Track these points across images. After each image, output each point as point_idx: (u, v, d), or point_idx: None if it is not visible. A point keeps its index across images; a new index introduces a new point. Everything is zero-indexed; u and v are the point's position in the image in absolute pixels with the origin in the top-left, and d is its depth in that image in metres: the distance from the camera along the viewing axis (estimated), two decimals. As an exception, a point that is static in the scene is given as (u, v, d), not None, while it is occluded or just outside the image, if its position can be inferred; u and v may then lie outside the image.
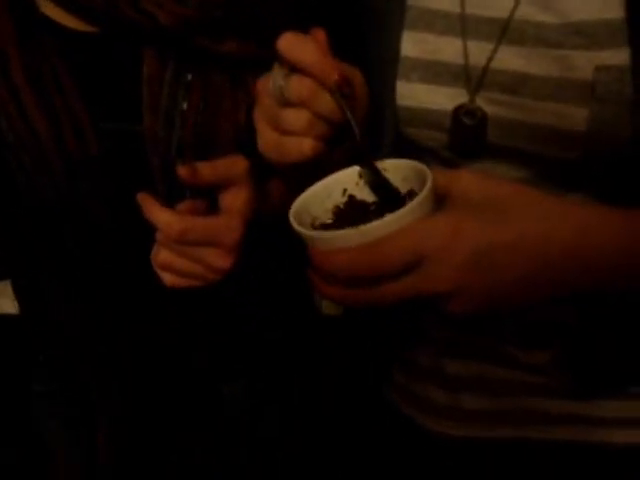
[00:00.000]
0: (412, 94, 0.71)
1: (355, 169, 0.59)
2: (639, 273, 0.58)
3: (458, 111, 0.68)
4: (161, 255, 0.62)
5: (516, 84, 0.66)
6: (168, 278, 0.63)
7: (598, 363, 0.76)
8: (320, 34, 0.59)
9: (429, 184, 0.51)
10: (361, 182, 0.59)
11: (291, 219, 0.54)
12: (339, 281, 0.53)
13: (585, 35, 0.62)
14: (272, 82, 0.58)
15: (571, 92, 0.63)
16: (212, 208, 0.65)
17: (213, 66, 0.67)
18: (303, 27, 0.72)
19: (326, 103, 0.57)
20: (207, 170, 0.62)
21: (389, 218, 0.50)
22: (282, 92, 0.57)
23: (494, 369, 0.81)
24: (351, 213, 0.58)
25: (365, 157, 0.58)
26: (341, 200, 0.59)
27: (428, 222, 0.51)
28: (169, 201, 0.66)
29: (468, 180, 0.55)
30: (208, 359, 0.77)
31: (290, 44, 0.56)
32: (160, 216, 0.60)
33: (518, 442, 0.82)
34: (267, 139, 0.59)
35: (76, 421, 0.76)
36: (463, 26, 0.67)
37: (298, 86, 0.56)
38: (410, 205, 0.51)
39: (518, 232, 0.53)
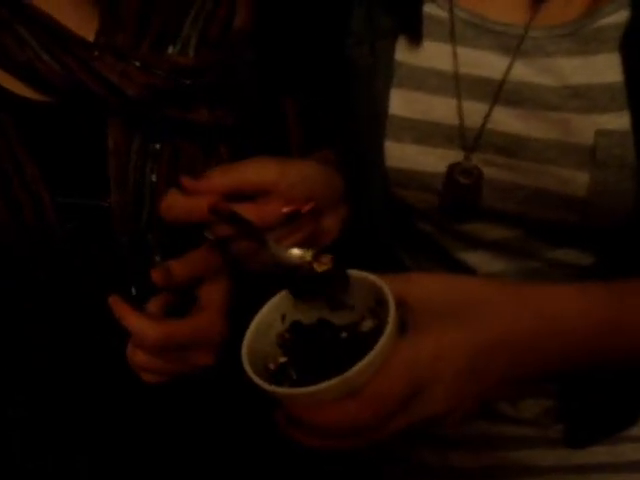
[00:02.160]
0: (402, 155, 0.68)
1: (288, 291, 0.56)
2: (618, 347, 0.58)
3: (453, 169, 0.66)
4: (137, 357, 0.58)
5: (514, 146, 0.64)
6: (148, 377, 0.59)
7: (590, 410, 0.75)
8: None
9: (392, 303, 0.50)
10: (298, 302, 0.56)
11: (255, 379, 0.49)
12: (331, 434, 0.50)
13: (584, 98, 0.60)
14: None
15: (571, 156, 0.62)
16: (187, 296, 0.61)
17: (183, 135, 0.63)
18: (277, 90, 0.69)
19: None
20: (182, 269, 0.58)
21: (372, 357, 0.47)
22: None
23: (482, 425, 0.79)
24: (302, 342, 0.55)
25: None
26: (283, 328, 0.56)
27: (414, 350, 0.50)
28: (139, 279, 0.61)
29: (425, 283, 0.54)
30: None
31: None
32: (134, 323, 0.56)
33: None
34: None
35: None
36: (457, 86, 0.65)
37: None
38: (386, 335, 0.48)
39: (494, 331, 0.53)
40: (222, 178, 0.59)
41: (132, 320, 0.57)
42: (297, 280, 0.54)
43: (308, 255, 0.54)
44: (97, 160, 0.61)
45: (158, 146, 0.63)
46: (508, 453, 0.79)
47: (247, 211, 0.56)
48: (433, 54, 0.66)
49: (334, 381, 0.47)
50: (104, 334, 0.63)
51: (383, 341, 0.48)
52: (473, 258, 0.72)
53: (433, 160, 0.67)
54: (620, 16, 0.59)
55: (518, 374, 0.55)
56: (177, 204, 0.58)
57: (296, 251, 0.54)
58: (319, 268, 0.53)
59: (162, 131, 0.62)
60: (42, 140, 0.59)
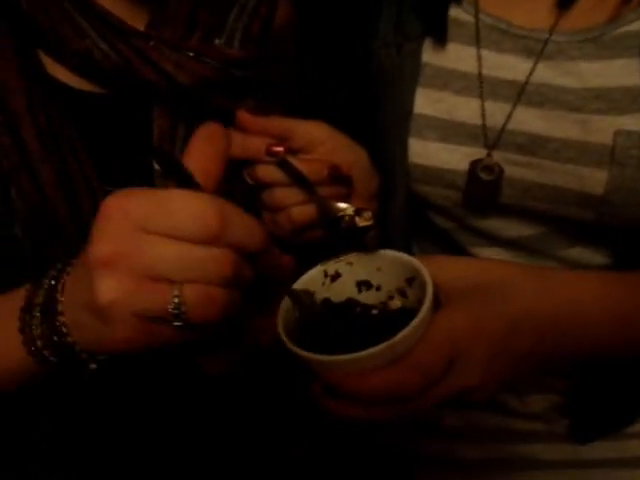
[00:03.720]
0: (426, 152, 0.70)
1: (319, 269, 0.58)
2: (635, 339, 0.60)
3: (476, 165, 0.68)
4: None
5: (534, 145, 0.66)
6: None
7: (596, 405, 0.77)
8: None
9: (429, 277, 0.51)
10: (327, 281, 0.58)
11: (296, 349, 0.50)
12: (370, 402, 0.51)
13: (605, 100, 0.63)
14: None
15: (590, 155, 0.64)
16: None
17: (227, 124, 0.65)
18: (315, 87, 0.72)
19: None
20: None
21: (416, 324, 0.49)
22: None
23: (490, 418, 0.81)
24: (333, 317, 0.56)
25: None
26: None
27: (452, 322, 0.52)
28: None
29: (452, 266, 0.57)
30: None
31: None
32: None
33: None
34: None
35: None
36: (480, 87, 0.67)
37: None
38: (426, 304, 0.50)
39: (520, 311, 0.55)
40: (278, 121, 0.61)
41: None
42: (339, 231, 0.55)
43: (350, 209, 0.55)
44: (143, 150, 0.62)
45: None
46: (514, 447, 0.81)
47: (296, 162, 0.59)
48: (458, 56, 0.69)
49: (380, 347, 0.48)
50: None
51: (425, 310, 0.49)
52: (488, 254, 0.74)
53: (456, 158, 0.69)
54: None
55: (541, 353, 0.56)
56: (233, 140, 0.59)
57: (340, 204, 0.56)
58: (361, 222, 0.55)
59: (206, 119, 0.64)
60: (91, 131, 0.60)
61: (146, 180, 0.61)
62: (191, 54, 0.60)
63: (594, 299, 0.58)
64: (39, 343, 0.48)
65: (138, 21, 0.60)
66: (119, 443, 0.65)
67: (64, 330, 0.47)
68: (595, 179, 0.65)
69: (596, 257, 0.72)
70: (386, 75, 0.72)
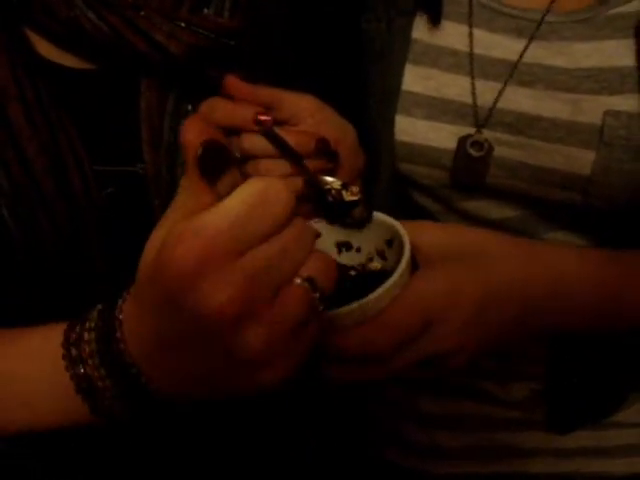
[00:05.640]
0: (413, 130, 0.69)
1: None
2: (618, 313, 0.61)
3: (465, 141, 0.68)
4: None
5: (524, 125, 0.66)
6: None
7: (576, 395, 0.77)
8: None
9: (407, 238, 0.51)
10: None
11: None
12: (346, 360, 0.51)
13: (596, 80, 0.63)
14: None
15: (579, 135, 0.64)
16: None
17: (214, 95, 0.63)
18: (305, 58, 0.70)
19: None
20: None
21: (389, 285, 0.48)
22: None
23: (470, 405, 0.81)
24: None
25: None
26: None
27: (429, 283, 0.51)
28: None
29: (435, 231, 0.56)
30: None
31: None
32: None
33: (495, 477, 0.81)
34: None
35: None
36: (471, 65, 0.67)
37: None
38: (403, 264, 0.49)
39: (503, 279, 0.54)
40: (266, 90, 0.60)
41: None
42: (326, 205, 0.55)
43: (337, 183, 0.54)
44: (131, 126, 0.61)
45: (190, 107, 0.63)
46: (494, 434, 0.81)
47: (283, 133, 0.57)
48: (449, 34, 0.68)
49: (352, 306, 0.48)
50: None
51: (400, 270, 0.49)
52: None
53: (444, 136, 0.69)
54: (634, 5, 0.63)
55: (522, 325, 0.56)
56: (220, 106, 0.58)
57: (327, 178, 0.55)
58: (348, 196, 0.54)
59: (196, 92, 0.62)
60: (78, 108, 0.59)
61: (133, 156, 0.60)
62: (182, 24, 0.58)
63: (577, 271, 0.58)
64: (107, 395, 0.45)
65: None
66: (120, 442, 0.62)
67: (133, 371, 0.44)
68: (583, 159, 0.64)
69: (581, 242, 0.71)
70: (375, 51, 0.71)
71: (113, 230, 0.59)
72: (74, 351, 0.45)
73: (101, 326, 0.45)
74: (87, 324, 0.45)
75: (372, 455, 0.86)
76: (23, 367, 0.48)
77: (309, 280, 0.40)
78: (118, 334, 0.43)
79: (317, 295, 0.40)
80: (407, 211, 0.76)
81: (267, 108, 0.61)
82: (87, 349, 0.45)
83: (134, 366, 0.43)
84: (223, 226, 0.38)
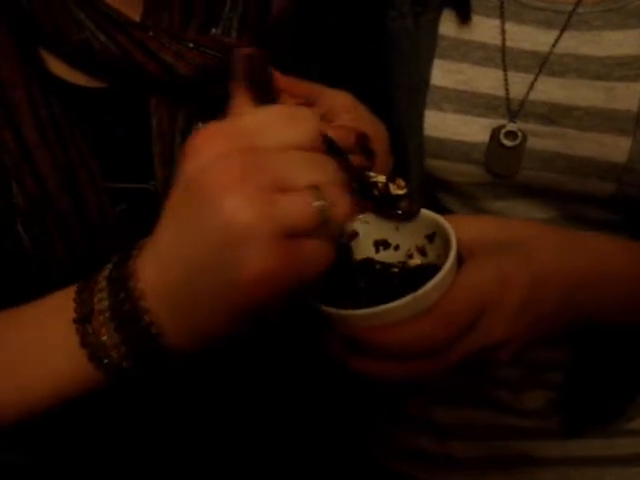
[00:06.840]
0: (442, 125, 0.68)
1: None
2: None
3: (498, 132, 0.67)
4: None
5: (557, 115, 0.66)
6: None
7: (591, 403, 0.76)
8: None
9: (452, 230, 0.50)
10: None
11: (316, 304, 0.48)
12: (393, 357, 0.49)
13: (630, 67, 0.64)
14: None
15: (614, 122, 0.64)
16: None
17: (223, 113, 0.63)
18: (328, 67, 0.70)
19: None
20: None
21: (441, 277, 0.47)
22: None
23: (484, 415, 0.79)
24: (352, 275, 0.54)
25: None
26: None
27: (478, 275, 0.50)
28: None
29: (475, 224, 0.55)
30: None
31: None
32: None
33: None
34: None
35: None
36: (503, 58, 0.67)
37: None
38: (452, 256, 0.48)
39: (545, 265, 0.53)
40: (304, 83, 0.59)
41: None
42: (372, 199, 0.53)
43: (382, 177, 0.53)
44: (143, 143, 0.61)
45: (200, 124, 0.63)
46: (507, 443, 0.79)
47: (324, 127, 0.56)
48: (479, 28, 0.68)
49: (405, 300, 0.46)
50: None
51: (451, 261, 0.48)
52: None
53: (475, 129, 0.68)
54: None
55: (567, 311, 0.55)
56: None
57: (370, 172, 0.54)
58: (395, 190, 0.53)
59: (204, 109, 0.62)
60: (91, 126, 0.59)
61: (145, 173, 0.60)
62: (190, 44, 0.59)
63: (620, 261, 0.58)
64: (114, 354, 0.43)
65: (134, 12, 0.59)
66: (119, 439, 0.62)
67: (146, 319, 0.42)
68: (619, 147, 0.64)
69: None
70: (401, 48, 0.70)
71: (125, 246, 0.59)
72: (85, 309, 0.44)
73: (115, 276, 0.44)
74: (100, 275, 0.45)
75: (380, 466, 0.83)
76: (36, 327, 0.47)
77: (315, 188, 0.40)
78: (132, 282, 0.43)
79: (321, 204, 0.39)
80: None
81: (304, 101, 0.60)
82: (99, 307, 0.44)
83: (147, 312, 0.42)
84: (250, 125, 0.40)
